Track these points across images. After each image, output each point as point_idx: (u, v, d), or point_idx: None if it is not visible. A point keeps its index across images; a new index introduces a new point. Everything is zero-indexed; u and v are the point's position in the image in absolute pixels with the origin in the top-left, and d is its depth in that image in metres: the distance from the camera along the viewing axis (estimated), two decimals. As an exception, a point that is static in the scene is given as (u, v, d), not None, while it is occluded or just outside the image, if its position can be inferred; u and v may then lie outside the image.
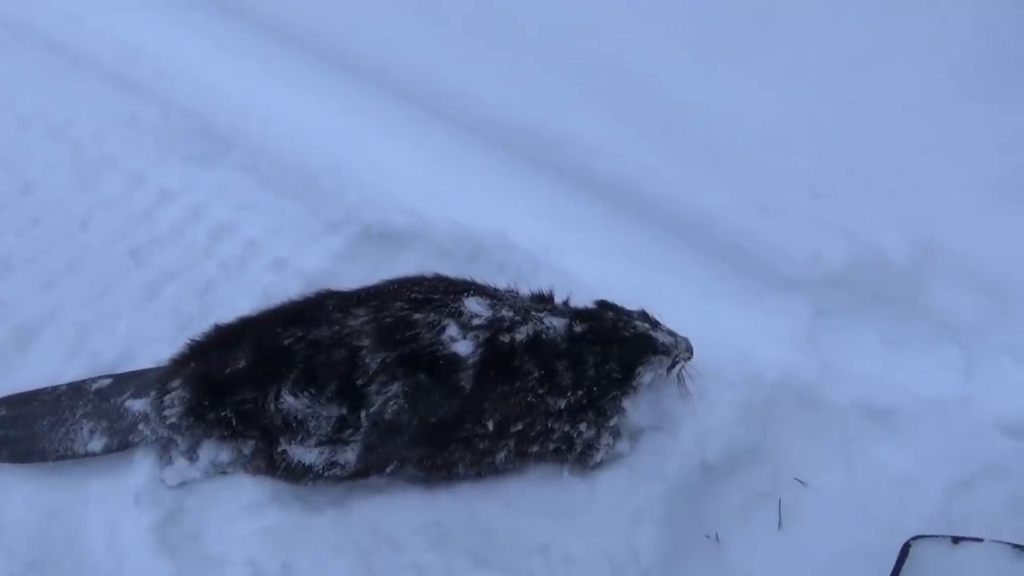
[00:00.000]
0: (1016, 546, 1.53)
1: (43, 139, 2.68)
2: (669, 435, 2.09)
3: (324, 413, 1.86)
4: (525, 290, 2.15)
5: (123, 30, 3.00)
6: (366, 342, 1.87)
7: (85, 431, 1.97)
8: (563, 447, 2.01)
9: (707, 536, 2.02)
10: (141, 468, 1.97)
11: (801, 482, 2.13)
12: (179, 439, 1.95)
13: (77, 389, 2.05)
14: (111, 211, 2.51)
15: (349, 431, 1.87)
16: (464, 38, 3.02)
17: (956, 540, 1.61)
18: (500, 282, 2.14)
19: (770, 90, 2.91)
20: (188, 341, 2.02)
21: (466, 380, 1.88)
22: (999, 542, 1.55)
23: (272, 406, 1.86)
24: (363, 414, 1.86)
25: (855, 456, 2.17)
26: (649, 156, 2.74)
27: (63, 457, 1.96)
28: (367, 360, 1.86)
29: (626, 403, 2.04)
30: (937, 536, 1.64)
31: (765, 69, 2.96)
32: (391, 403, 1.85)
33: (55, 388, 2.06)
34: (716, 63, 2.96)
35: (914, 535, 1.67)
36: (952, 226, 2.53)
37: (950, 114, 2.82)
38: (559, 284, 2.19)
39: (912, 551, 1.63)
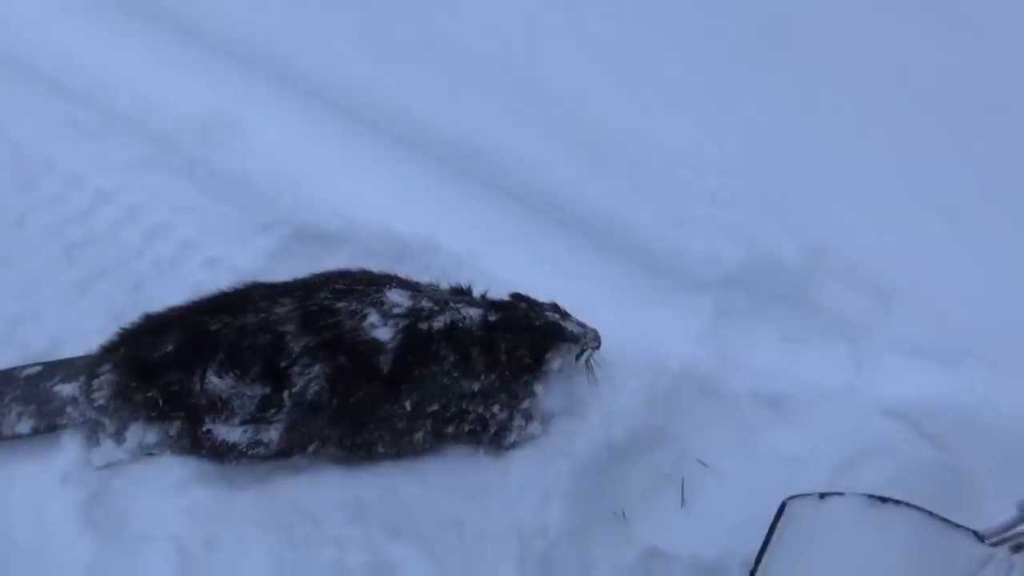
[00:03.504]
0: (871, 496, 1.71)
1: (-20, 142, 2.73)
2: (578, 418, 2.23)
3: (248, 393, 1.95)
4: (446, 284, 2.29)
5: (63, 41, 3.08)
6: (290, 328, 1.98)
7: (13, 415, 2.02)
8: (478, 428, 2.13)
9: (614, 512, 2.15)
10: (68, 451, 2.02)
11: (703, 464, 2.29)
12: (107, 421, 2.01)
13: (6, 376, 2.10)
14: (47, 211, 2.56)
15: (272, 410, 1.96)
16: (403, 58, 3.19)
17: (823, 496, 1.78)
18: (424, 279, 2.28)
19: (686, 115, 3.14)
20: (118, 329, 2.10)
21: (385, 363, 2.00)
22: (858, 494, 1.73)
23: (198, 386, 1.94)
24: (286, 394, 1.96)
25: (752, 440, 2.35)
26: (574, 171, 2.92)
27: (-10, 440, 2.00)
28: (291, 344, 1.96)
29: (537, 387, 2.18)
30: (808, 495, 1.81)
31: (683, 99, 3.20)
32: (313, 383, 1.96)
33: (-17, 376, 2.11)
34: (641, 91, 3.19)
35: (789, 495, 1.85)
36: (841, 233, 2.77)
37: (845, 132, 3.09)
38: (481, 283, 2.31)
39: (788, 508, 1.80)
